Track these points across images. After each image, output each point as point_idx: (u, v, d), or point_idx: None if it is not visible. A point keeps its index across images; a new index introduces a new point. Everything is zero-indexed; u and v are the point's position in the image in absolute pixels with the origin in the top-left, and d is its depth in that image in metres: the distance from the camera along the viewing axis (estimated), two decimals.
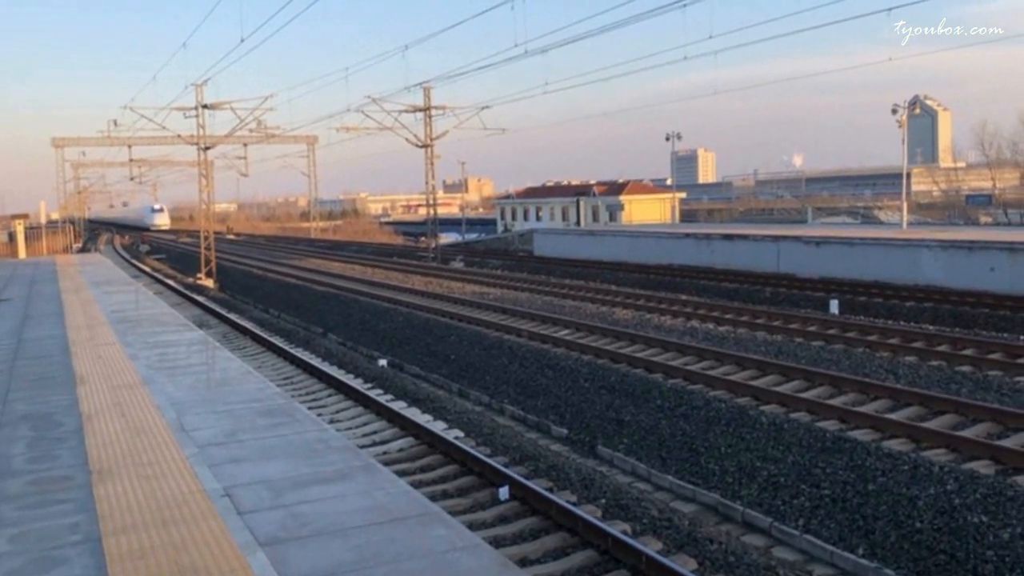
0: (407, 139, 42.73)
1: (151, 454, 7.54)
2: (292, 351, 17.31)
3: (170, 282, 33.77)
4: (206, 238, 36.97)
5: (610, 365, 14.90)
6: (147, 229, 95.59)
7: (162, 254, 55.18)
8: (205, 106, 35.66)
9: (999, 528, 7.43)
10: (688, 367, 14.52)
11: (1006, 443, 9.92)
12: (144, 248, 60.54)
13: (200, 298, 27.94)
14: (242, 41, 31.79)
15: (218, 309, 25.04)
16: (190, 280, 35.69)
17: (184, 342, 13.53)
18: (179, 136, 39.19)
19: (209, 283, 34.68)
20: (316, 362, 16.19)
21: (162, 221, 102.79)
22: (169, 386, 10.14)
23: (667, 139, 52.79)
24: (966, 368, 13.58)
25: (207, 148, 37.58)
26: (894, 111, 32.90)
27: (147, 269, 39.78)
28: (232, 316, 23.09)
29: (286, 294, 28.82)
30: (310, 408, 12.22)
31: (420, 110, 42.06)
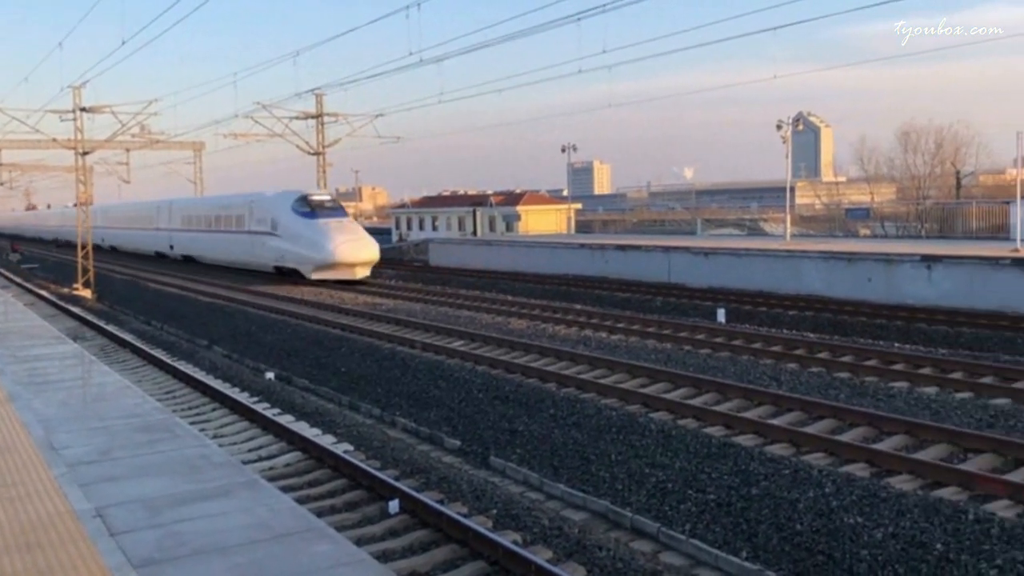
0: (298, 146, 41.98)
1: (15, 474, 7.12)
2: (174, 364, 16.69)
3: (44, 293, 32.14)
4: (83, 247, 35.38)
5: (504, 375, 14.91)
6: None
7: (35, 263, 52.43)
8: (83, 109, 34.16)
9: (873, 528, 7.72)
10: (581, 376, 14.66)
11: (880, 446, 10.36)
12: (14, 257, 57.31)
13: (76, 309, 26.67)
14: (123, 43, 30.51)
15: (96, 321, 23.94)
16: (66, 291, 34.04)
17: (57, 356, 12.88)
18: (55, 140, 37.41)
19: (87, 294, 33.16)
20: (200, 375, 15.65)
21: None
22: (37, 402, 9.62)
23: (563, 151, 53.39)
24: (844, 375, 14.13)
25: (85, 153, 35.99)
26: (779, 127, 34.10)
27: (18, 280, 37.75)
28: (111, 328, 22.11)
29: (169, 305, 27.82)
30: (192, 423, 11.79)
31: (312, 117, 41.39)
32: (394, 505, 8.63)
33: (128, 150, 50.34)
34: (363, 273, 32.74)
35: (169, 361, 17.03)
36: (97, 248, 40.42)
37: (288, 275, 33.59)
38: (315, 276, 31.89)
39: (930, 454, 10.09)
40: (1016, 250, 22.27)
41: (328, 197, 35.38)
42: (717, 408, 12.33)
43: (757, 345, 16.98)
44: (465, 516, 8.29)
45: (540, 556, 7.33)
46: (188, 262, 43.99)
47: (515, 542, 7.66)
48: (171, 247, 46.60)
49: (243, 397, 13.87)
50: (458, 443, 11.63)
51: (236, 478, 7.23)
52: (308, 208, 33.34)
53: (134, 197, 67.23)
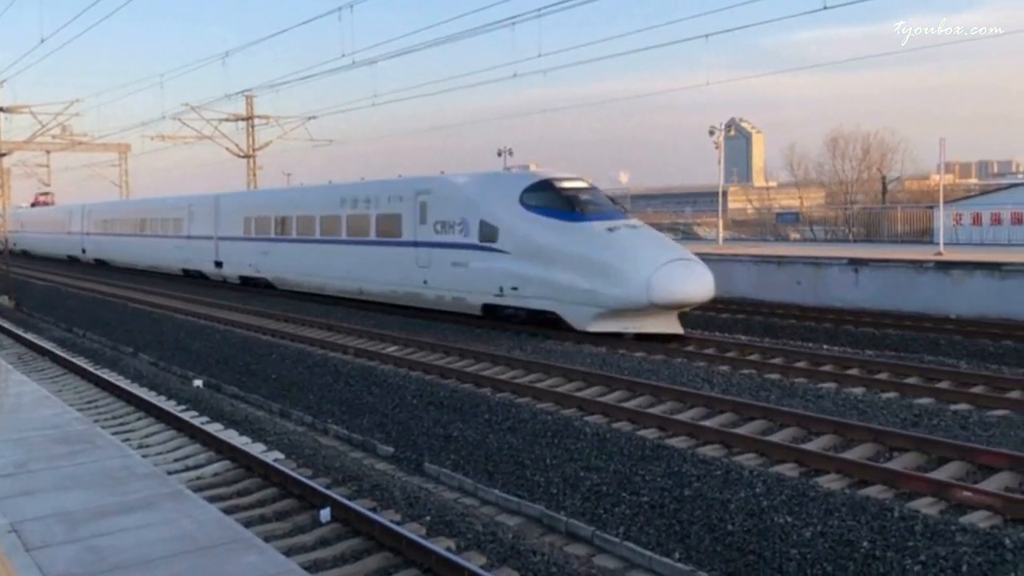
0: (228, 149, 41.24)
1: None
2: (97, 373, 16.18)
3: None
4: (0, 251, 34.16)
5: (439, 381, 14.80)
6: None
7: None
8: (0, 109, 33.02)
9: (802, 527, 7.84)
10: (516, 380, 14.63)
11: (809, 446, 10.53)
12: None
13: None
14: (42, 41, 29.53)
15: (13, 328, 23.12)
16: None
17: None
18: None
19: (3, 300, 32.01)
20: (124, 384, 15.19)
21: None
22: None
23: (499, 155, 53.42)
24: (775, 376, 14.36)
25: (2, 155, 34.79)
26: (711, 132, 34.68)
27: None
28: (29, 336, 21.38)
29: (92, 311, 27.00)
30: (115, 434, 11.43)
31: (242, 119, 40.74)
32: (325, 514, 8.48)
33: (48, 152, 48.85)
34: (677, 326, 18.46)
35: (91, 369, 16.51)
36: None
37: (500, 317, 20.14)
38: (594, 327, 17.97)
39: (857, 453, 10.29)
40: (939, 254, 22.99)
41: (585, 184, 20.27)
42: (651, 411, 12.41)
43: (690, 348, 17.17)
44: (398, 523, 8.18)
45: (474, 562, 7.27)
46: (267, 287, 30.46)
47: (449, 549, 7.58)
48: (258, 271, 30.72)
49: (170, 405, 13.51)
50: (391, 450, 11.49)
51: (160, 489, 7.03)
52: (561, 202, 19.13)
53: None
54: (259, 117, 40.82)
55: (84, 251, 45.80)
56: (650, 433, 11.29)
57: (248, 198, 32.95)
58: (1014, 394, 12.63)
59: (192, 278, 35.46)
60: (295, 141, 42.94)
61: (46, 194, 62.46)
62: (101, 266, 44.89)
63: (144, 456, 10.27)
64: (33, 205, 63.01)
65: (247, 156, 41.05)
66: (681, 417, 12.03)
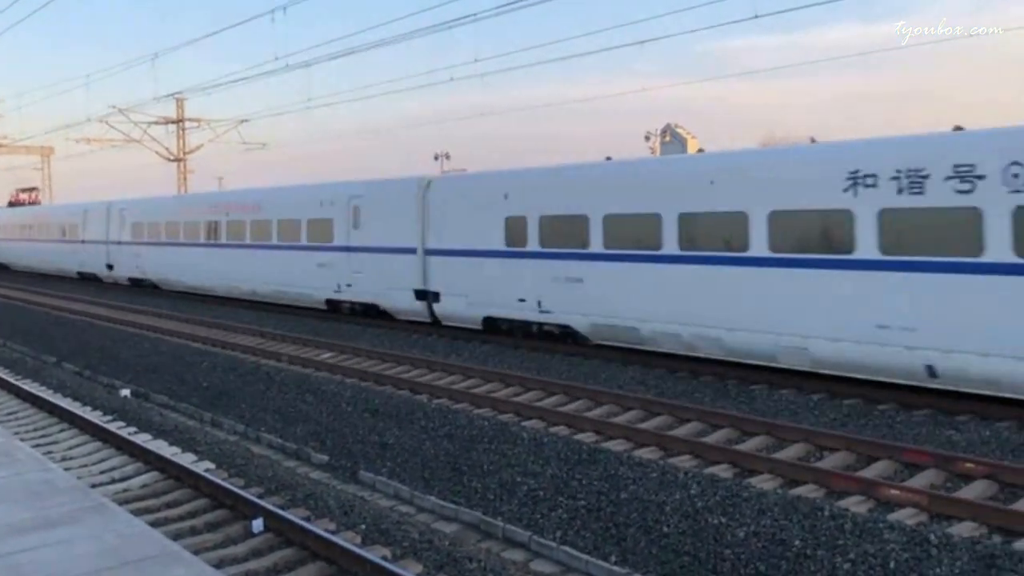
0: (157, 152, 40.34)
1: None
2: (17, 383, 15.61)
3: None
4: None
5: (374, 387, 14.65)
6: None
7: None
8: None
9: (736, 527, 7.93)
10: (453, 387, 14.55)
11: (743, 448, 10.69)
12: None
13: None
14: None
15: None
16: None
17: None
18: None
19: None
20: (46, 395, 14.68)
21: None
22: None
23: (436, 159, 53.24)
24: (708, 378, 14.54)
25: None
26: (647, 138, 35.08)
27: None
28: None
29: (12, 319, 26.09)
30: (36, 447, 11.05)
31: (172, 122, 39.90)
32: (258, 524, 8.30)
33: None
34: None
35: (11, 380, 15.93)
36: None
37: None
38: None
39: (789, 453, 10.48)
40: None
41: None
42: (588, 415, 12.46)
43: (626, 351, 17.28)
44: (332, 533, 8.05)
45: (410, 570, 7.19)
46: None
47: (384, 557, 7.48)
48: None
49: (95, 416, 13.09)
50: (326, 458, 11.32)
51: (83, 503, 6.80)
52: None
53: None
54: (189, 120, 40.07)
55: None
56: (587, 437, 11.34)
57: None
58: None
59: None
60: (227, 145, 42.26)
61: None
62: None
63: (67, 469, 9.94)
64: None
65: (177, 160, 40.18)
66: (618, 420, 12.11)
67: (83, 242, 37.48)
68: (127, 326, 23.41)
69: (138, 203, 34.44)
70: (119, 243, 34.68)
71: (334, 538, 7.67)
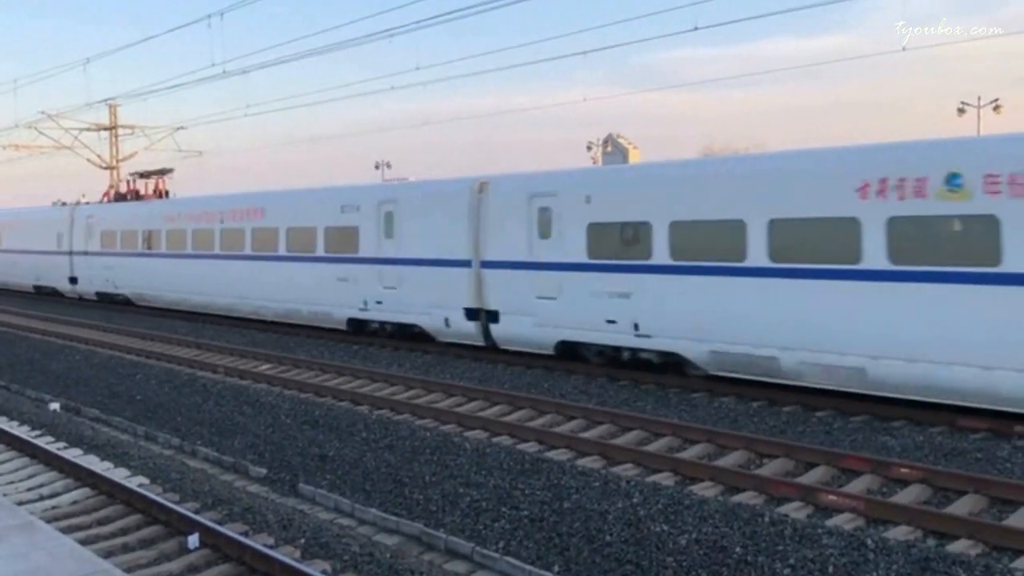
0: (89, 159, 39.34)
1: None
2: None
3: None
4: None
5: (314, 399, 14.43)
6: None
7: None
8: None
9: (678, 535, 7.96)
10: (395, 397, 14.41)
11: (684, 455, 10.77)
12: None
13: None
14: None
15: None
16: None
17: None
18: None
19: None
20: None
21: None
22: None
23: (376, 167, 52.95)
24: (650, 386, 14.62)
25: None
26: (589, 147, 35.38)
27: None
28: None
29: None
30: None
31: (105, 129, 38.93)
32: (194, 540, 8.09)
33: None
34: None
35: None
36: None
37: None
38: None
39: (730, 460, 10.58)
40: None
41: None
42: (531, 424, 12.43)
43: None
44: (271, 547, 7.87)
45: None
46: None
47: (324, 571, 7.34)
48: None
49: (22, 431, 12.66)
50: (264, 471, 11.09)
51: (9, 521, 6.54)
52: None
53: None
54: (123, 127, 39.14)
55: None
56: (530, 447, 11.31)
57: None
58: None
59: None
60: (163, 152, 41.29)
61: None
62: None
63: None
64: None
65: (110, 168, 39.24)
66: (560, 430, 12.11)
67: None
68: (57, 338, 22.73)
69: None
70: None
71: (273, 553, 7.50)
